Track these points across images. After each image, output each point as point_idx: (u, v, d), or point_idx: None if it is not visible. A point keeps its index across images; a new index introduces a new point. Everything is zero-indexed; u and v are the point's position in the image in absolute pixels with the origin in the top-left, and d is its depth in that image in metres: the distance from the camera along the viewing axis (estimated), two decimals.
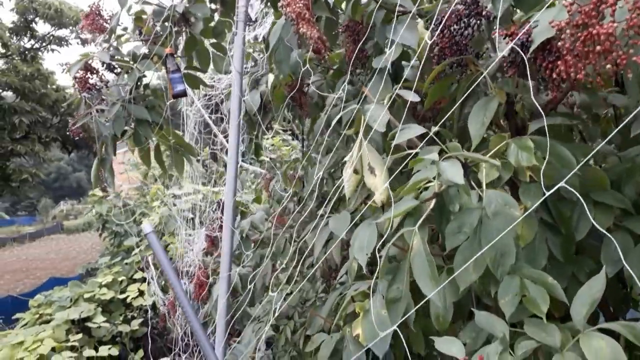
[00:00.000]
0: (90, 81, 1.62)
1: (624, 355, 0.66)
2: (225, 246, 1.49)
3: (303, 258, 1.75)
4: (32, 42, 11.73)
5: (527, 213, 0.89)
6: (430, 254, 0.79)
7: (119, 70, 1.71)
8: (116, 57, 1.63)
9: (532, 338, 0.76)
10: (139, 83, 1.68)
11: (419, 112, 1.34)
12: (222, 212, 2.11)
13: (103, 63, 1.65)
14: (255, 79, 2.42)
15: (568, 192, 1.03)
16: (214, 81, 2.86)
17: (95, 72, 1.64)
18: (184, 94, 1.68)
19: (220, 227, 2.10)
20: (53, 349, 4.34)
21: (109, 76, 1.69)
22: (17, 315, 5.32)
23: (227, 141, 2.55)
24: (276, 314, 1.68)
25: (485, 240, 0.85)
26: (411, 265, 0.79)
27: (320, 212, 1.78)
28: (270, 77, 2.32)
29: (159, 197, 5.57)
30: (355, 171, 1.09)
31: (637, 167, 1.07)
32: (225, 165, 3.42)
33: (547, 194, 0.69)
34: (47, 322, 4.88)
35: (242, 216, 2.17)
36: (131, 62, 1.67)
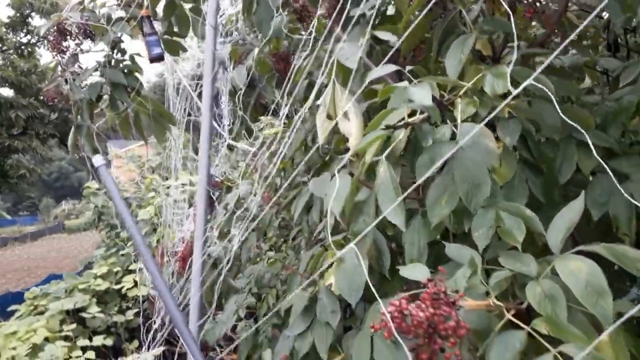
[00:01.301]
0: (64, 43, 1.57)
1: (603, 277, 0.61)
2: (199, 218, 1.43)
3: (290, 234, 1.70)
4: (29, 37, 11.70)
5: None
6: (398, 183, 0.74)
7: (95, 35, 1.67)
8: (90, 19, 1.58)
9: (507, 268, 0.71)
10: (115, 48, 1.63)
11: (400, 63, 1.29)
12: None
13: (79, 28, 1.60)
14: (240, 53, 2.37)
15: (551, 133, 0.99)
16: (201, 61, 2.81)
17: (69, 34, 1.59)
18: (161, 57, 1.63)
19: (209, 203, 2.05)
20: (46, 339, 4.30)
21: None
22: (13, 307, 5.28)
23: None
24: (259, 284, 1.64)
25: (459, 173, 0.80)
26: (377, 195, 0.74)
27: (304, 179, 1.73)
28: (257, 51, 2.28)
29: (154, 188, 5.53)
30: (329, 117, 1.04)
31: (622, 109, 1.02)
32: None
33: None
34: (42, 313, 4.84)
35: (228, 191, 2.12)
36: (106, 25, 1.62)
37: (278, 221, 1.91)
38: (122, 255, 5.45)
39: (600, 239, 1.03)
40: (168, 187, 4.38)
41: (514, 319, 0.64)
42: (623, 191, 0.74)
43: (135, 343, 4.76)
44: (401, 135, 0.80)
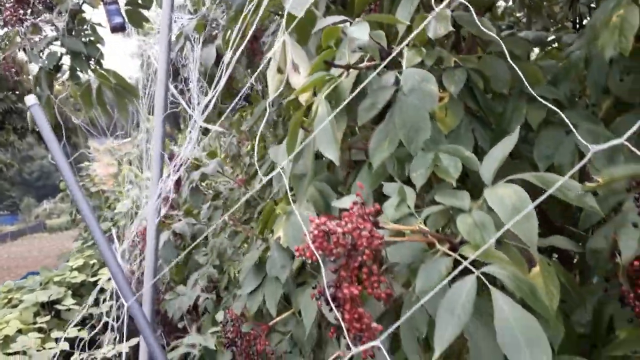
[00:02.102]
0: (21, 10, 1.54)
1: (529, 201, 0.61)
2: (152, 189, 1.39)
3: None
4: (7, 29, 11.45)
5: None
6: (334, 120, 0.73)
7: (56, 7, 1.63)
8: None
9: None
10: (75, 18, 1.61)
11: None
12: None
13: None
14: (211, 32, 2.35)
15: (500, 87, 0.99)
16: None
17: (27, 4, 1.56)
18: (122, 28, 1.60)
19: (176, 182, 2.03)
20: (19, 331, 4.22)
21: None
22: None
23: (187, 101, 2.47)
24: (221, 257, 1.62)
25: (399, 117, 0.80)
26: (315, 135, 0.73)
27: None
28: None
29: (131, 180, 5.45)
30: (279, 70, 1.02)
31: (572, 65, 1.02)
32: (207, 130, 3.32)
33: None
34: (16, 306, 4.76)
35: (195, 169, 2.10)
36: None
37: (245, 198, 1.89)
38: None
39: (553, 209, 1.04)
40: (146, 179, 4.34)
41: (444, 249, 0.64)
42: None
43: (112, 335, 4.69)
44: (343, 76, 0.80)
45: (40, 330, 4.36)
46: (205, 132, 3.21)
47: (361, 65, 0.86)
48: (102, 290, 5.30)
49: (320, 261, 0.56)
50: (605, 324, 0.67)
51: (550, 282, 0.65)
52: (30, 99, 0.83)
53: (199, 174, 1.99)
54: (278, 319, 1.00)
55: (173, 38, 2.43)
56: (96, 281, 5.05)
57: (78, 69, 1.56)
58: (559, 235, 0.71)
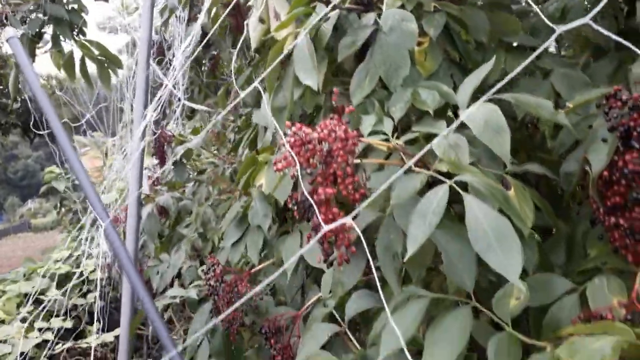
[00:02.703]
0: None
1: (502, 117, 0.62)
2: (134, 164, 1.38)
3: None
4: None
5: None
6: (314, 49, 0.74)
7: None
8: None
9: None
10: None
11: None
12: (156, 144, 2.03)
13: None
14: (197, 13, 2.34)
15: (479, 35, 1.00)
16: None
17: None
18: None
19: (160, 157, 2.02)
20: (2, 321, 4.16)
21: None
22: None
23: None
24: (205, 226, 1.62)
25: (379, 56, 0.81)
26: (294, 63, 0.74)
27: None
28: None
29: (117, 170, 5.40)
30: (261, 20, 1.03)
31: (549, 16, 1.04)
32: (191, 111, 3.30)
33: None
34: None
35: (178, 143, 2.09)
36: None
37: (230, 170, 1.89)
38: (85, 239, 5.32)
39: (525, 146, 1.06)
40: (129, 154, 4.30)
41: (420, 170, 0.65)
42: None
43: (97, 325, 4.65)
44: (324, 12, 0.80)
45: (23, 320, 4.31)
46: (191, 113, 3.19)
47: (343, 6, 0.87)
48: (86, 281, 5.23)
49: (298, 172, 0.56)
50: (579, 246, 0.69)
51: (524, 204, 0.66)
52: (9, 32, 0.83)
53: (183, 148, 1.98)
54: (260, 266, 1.00)
55: (157, 13, 2.43)
56: (82, 272, 5.01)
57: (61, 36, 1.54)
58: (536, 164, 0.73)
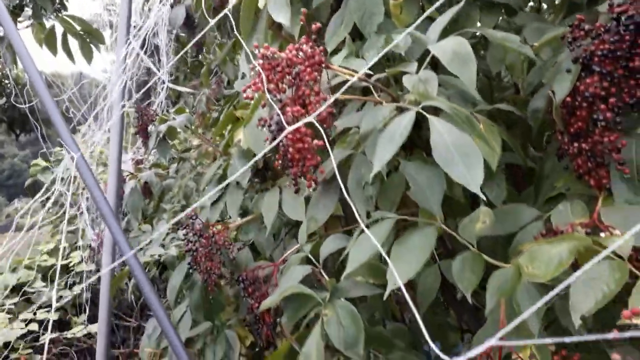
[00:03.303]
0: None
1: (469, 48, 0.63)
2: (113, 139, 1.36)
3: None
4: None
5: None
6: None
7: None
8: None
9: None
10: None
11: None
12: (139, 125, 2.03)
13: None
14: None
15: None
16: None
17: None
18: None
19: (143, 136, 2.01)
20: None
21: None
22: None
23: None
24: (186, 197, 1.62)
25: (355, 3, 0.82)
26: (268, 4, 0.74)
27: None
28: None
29: (104, 162, 5.37)
30: None
31: None
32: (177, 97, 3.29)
33: None
34: None
35: (161, 122, 2.08)
36: None
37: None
38: (70, 232, 5.28)
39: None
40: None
41: (387, 104, 0.66)
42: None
43: (83, 317, 4.62)
44: None
45: (8, 312, 4.27)
46: (177, 99, 3.17)
47: None
48: (74, 274, 5.19)
49: (267, 96, 0.57)
50: (547, 180, 0.70)
51: (492, 139, 0.67)
52: None
53: (166, 127, 1.98)
54: (239, 222, 1.01)
55: None
56: (67, 264, 4.97)
57: (42, 7, 1.54)
58: (504, 105, 0.74)
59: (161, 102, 2.51)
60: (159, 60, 2.59)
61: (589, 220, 0.57)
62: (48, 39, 1.68)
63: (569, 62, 0.63)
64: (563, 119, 0.62)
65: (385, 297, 0.55)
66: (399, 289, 0.89)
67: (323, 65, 0.55)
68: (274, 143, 0.52)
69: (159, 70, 2.46)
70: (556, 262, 0.47)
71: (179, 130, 2.30)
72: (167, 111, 3.19)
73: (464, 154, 0.53)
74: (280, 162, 0.63)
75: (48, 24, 1.72)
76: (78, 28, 1.73)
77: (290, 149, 0.55)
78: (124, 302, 4.30)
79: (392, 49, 0.76)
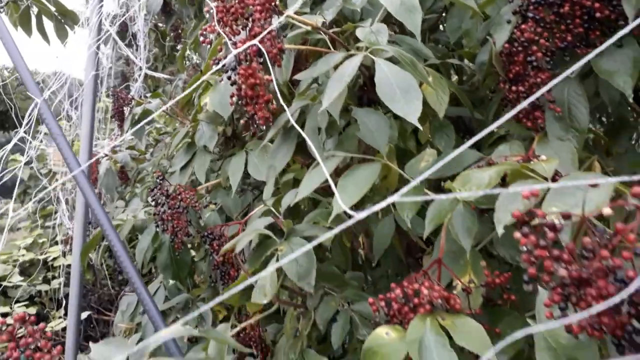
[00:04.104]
0: None
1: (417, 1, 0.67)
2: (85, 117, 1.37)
3: None
4: None
5: None
6: None
7: None
8: None
9: None
10: None
11: None
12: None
13: None
14: None
15: None
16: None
17: None
18: None
19: (120, 118, 2.02)
20: None
21: None
22: None
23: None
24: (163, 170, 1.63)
25: None
26: None
27: None
28: None
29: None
30: None
31: None
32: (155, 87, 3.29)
33: None
34: None
35: (138, 105, 2.09)
36: None
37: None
38: (49, 227, 5.23)
39: None
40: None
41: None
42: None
43: (62, 311, 4.58)
44: None
45: None
46: (156, 89, 3.18)
47: None
48: (53, 269, 5.12)
49: (225, 37, 0.60)
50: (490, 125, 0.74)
51: (440, 90, 0.71)
52: None
53: (141, 109, 1.99)
54: (205, 185, 1.03)
55: None
56: (46, 259, 4.92)
57: None
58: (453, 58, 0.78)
59: (138, 89, 2.52)
60: (137, 49, 2.60)
61: (524, 156, 0.61)
62: (22, 20, 1.68)
63: (510, 14, 0.67)
64: (503, 66, 0.67)
65: (336, 232, 0.58)
66: (354, 235, 0.92)
67: (275, 6, 0.58)
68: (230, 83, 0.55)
69: (136, 58, 2.46)
70: (485, 182, 0.51)
71: (156, 119, 2.32)
72: (145, 96, 3.20)
73: (404, 91, 0.56)
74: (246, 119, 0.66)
75: (23, 5, 1.72)
76: (53, 9, 1.73)
77: (244, 86, 0.58)
78: (103, 296, 4.28)
79: (349, 6, 0.79)
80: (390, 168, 0.65)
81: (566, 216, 0.34)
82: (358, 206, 0.91)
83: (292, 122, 0.54)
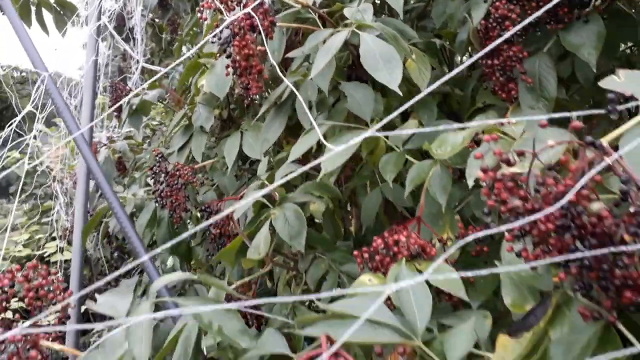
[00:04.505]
0: None
1: None
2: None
3: None
4: None
5: None
6: None
7: None
8: None
9: None
10: None
11: None
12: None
13: None
14: None
15: None
16: None
17: None
18: None
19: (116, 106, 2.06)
20: None
21: None
22: None
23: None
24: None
25: None
26: None
27: None
28: None
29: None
30: None
31: None
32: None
33: None
34: None
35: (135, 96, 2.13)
36: None
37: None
38: (46, 223, 5.25)
39: None
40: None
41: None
42: None
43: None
44: None
45: None
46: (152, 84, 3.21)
47: None
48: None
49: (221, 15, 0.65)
50: (469, 99, 0.79)
51: (422, 65, 0.76)
52: None
53: (138, 99, 2.03)
54: (202, 163, 1.08)
55: None
56: (43, 254, 4.95)
57: None
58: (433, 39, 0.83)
59: (136, 82, 2.56)
60: (134, 43, 2.63)
61: (498, 122, 0.66)
62: (22, 11, 1.72)
63: None
64: (480, 42, 0.71)
65: (319, 178, 0.63)
66: (346, 211, 0.97)
67: None
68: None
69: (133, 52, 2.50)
70: (459, 142, 0.56)
71: (153, 105, 2.36)
72: (143, 88, 3.23)
73: (386, 61, 0.61)
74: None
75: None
76: (52, 1, 1.77)
77: (238, 57, 0.62)
78: (100, 291, 4.29)
79: None
80: (376, 137, 0.70)
81: (520, 153, 0.39)
82: (347, 184, 0.96)
83: (287, 83, 0.59)
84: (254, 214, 0.82)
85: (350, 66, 0.87)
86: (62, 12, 1.80)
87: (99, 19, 1.43)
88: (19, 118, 1.00)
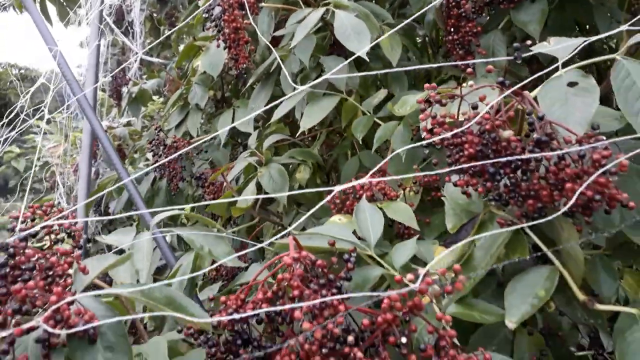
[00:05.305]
0: None
1: None
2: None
3: None
4: None
5: None
6: None
7: None
8: None
9: None
10: None
11: None
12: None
13: None
14: None
15: None
16: None
17: None
18: None
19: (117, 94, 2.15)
20: None
21: None
22: None
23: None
24: None
25: None
26: None
27: None
28: None
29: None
30: None
31: None
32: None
33: None
34: None
35: (134, 85, 2.22)
36: None
37: None
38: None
39: None
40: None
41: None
42: None
43: None
44: None
45: None
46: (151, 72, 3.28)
47: None
48: None
49: None
50: (435, 71, 0.89)
51: (395, 44, 0.85)
52: None
53: (137, 88, 2.11)
54: (198, 139, 1.17)
55: None
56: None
57: None
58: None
59: (135, 73, 2.64)
60: (133, 36, 2.71)
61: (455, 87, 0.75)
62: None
63: None
64: (443, 20, 0.81)
65: (298, 139, 0.72)
66: (328, 178, 1.06)
67: None
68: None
69: (132, 44, 2.58)
70: (415, 101, 0.65)
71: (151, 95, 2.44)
72: (141, 77, 3.32)
73: (357, 33, 0.71)
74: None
75: None
76: None
77: (227, 30, 0.72)
78: None
79: None
80: (354, 107, 0.79)
81: (451, 96, 0.48)
82: (331, 152, 1.05)
83: (275, 54, 0.68)
84: (244, 177, 0.91)
85: (332, 45, 0.96)
86: (65, 4, 1.89)
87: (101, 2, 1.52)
88: (15, 112, 1.08)
